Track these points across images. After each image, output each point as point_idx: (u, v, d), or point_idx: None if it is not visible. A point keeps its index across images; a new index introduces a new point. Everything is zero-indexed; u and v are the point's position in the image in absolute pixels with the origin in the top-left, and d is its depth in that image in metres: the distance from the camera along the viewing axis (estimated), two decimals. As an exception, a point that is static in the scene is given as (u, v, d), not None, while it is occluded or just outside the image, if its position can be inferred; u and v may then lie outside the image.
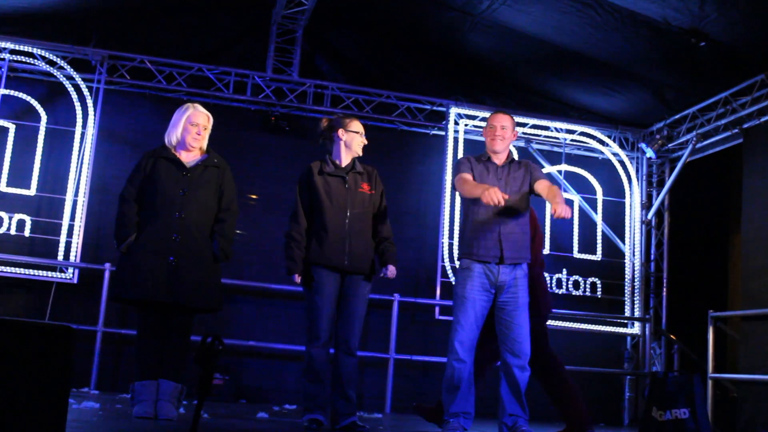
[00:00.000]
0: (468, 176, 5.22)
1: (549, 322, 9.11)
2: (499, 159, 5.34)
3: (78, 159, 8.46)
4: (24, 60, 8.49)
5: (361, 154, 5.25)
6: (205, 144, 5.22)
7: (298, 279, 5.04)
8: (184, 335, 5.08)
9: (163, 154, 5.07)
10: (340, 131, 5.22)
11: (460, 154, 9.38)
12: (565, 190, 9.62)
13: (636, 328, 9.71)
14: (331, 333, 5.03)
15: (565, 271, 9.55)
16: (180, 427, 4.61)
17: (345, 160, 5.20)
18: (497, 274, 5.12)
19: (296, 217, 5.11)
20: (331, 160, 5.19)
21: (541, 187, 5.21)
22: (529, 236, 5.28)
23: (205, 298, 4.99)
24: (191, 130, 5.10)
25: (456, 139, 9.46)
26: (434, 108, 9.54)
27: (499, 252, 5.11)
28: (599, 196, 9.88)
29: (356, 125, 5.25)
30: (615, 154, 9.98)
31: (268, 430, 4.95)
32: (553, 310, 9.16)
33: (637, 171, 10.09)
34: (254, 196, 9.05)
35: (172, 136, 5.12)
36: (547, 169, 9.57)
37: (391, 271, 5.14)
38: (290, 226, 5.11)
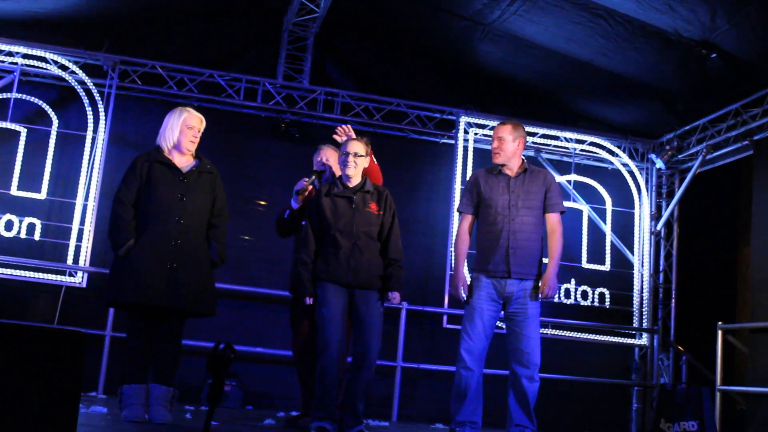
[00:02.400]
0: (464, 232, 5.35)
1: (557, 333, 9.22)
2: (512, 170, 5.33)
3: (89, 163, 8.49)
4: (36, 64, 8.52)
5: (347, 172, 5.23)
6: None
7: (310, 301, 5.12)
8: (176, 340, 5.12)
9: (158, 158, 5.08)
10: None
11: (470, 163, 9.39)
12: (574, 200, 9.62)
13: (644, 339, 9.68)
14: (342, 344, 5.05)
15: (573, 281, 9.53)
16: (185, 431, 4.61)
17: (352, 180, 5.23)
18: (504, 285, 5.14)
19: (305, 240, 5.20)
20: (340, 181, 5.25)
21: (548, 227, 5.29)
22: (540, 249, 5.27)
23: (203, 302, 5.02)
24: (188, 133, 5.13)
25: (466, 148, 9.46)
26: (444, 116, 9.54)
27: (507, 267, 5.12)
28: (608, 207, 9.86)
29: (344, 147, 5.32)
30: (624, 165, 9.96)
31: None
32: (562, 320, 9.23)
33: (646, 182, 10.07)
34: (263, 203, 9.06)
35: (168, 139, 5.13)
36: (557, 179, 9.53)
37: (396, 298, 5.14)
38: (300, 250, 5.23)
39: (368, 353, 5.03)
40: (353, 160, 5.20)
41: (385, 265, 5.17)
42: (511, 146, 5.31)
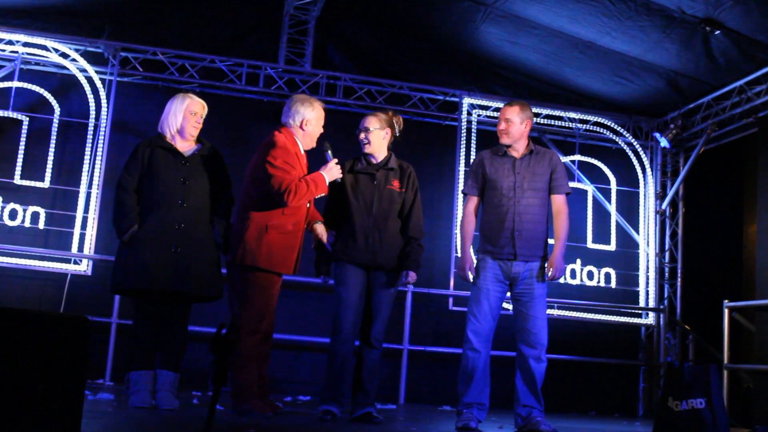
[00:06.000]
0: (470, 214, 5.33)
1: (563, 313, 9.21)
2: (517, 151, 5.31)
3: (91, 151, 8.47)
4: (37, 53, 8.49)
5: (364, 151, 5.28)
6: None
7: (321, 280, 5.22)
8: (182, 325, 5.14)
9: (159, 144, 5.10)
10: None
11: (473, 145, 9.36)
12: (578, 180, 9.59)
13: (650, 319, 9.67)
14: (356, 326, 5.06)
15: (579, 262, 9.51)
16: (192, 417, 4.62)
17: (377, 156, 5.25)
18: (510, 266, 5.13)
19: (324, 216, 5.27)
20: (365, 157, 5.27)
21: (554, 209, 5.26)
22: (546, 231, 5.25)
23: (208, 286, 5.04)
24: (191, 119, 5.16)
25: (469, 130, 9.43)
26: (447, 98, 9.50)
27: (513, 249, 5.10)
28: (613, 186, 9.83)
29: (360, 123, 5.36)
30: (629, 144, 9.92)
31: (282, 420, 4.95)
32: (567, 301, 9.22)
33: (651, 161, 10.03)
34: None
35: (171, 125, 5.16)
36: (561, 159, 9.49)
37: (411, 277, 5.13)
38: None
39: (373, 332, 5.08)
40: (365, 137, 5.24)
41: (404, 243, 5.16)
42: (518, 128, 5.28)
